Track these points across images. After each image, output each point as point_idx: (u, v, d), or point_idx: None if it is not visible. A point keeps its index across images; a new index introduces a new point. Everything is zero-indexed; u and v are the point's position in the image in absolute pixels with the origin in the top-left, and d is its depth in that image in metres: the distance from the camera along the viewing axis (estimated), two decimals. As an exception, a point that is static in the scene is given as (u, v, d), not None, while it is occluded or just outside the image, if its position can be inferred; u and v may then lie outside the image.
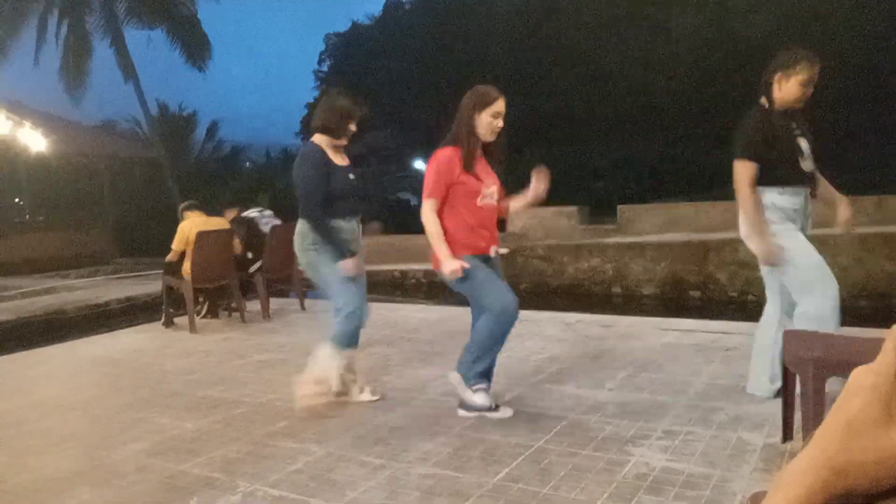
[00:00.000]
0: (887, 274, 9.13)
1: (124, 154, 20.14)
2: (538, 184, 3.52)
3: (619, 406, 3.55)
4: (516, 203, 3.64)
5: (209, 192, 15.43)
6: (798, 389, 2.81)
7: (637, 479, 2.66)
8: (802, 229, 3.44)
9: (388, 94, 26.88)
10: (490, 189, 3.42)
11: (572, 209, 13.44)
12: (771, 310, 3.59)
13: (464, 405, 3.48)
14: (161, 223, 9.27)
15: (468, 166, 3.33)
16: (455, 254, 3.31)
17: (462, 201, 3.35)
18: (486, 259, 3.44)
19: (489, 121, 3.34)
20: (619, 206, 13.18)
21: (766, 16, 18.46)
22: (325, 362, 3.70)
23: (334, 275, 3.67)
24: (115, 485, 2.91)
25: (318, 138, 3.73)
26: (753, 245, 3.39)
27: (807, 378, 2.62)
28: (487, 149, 3.46)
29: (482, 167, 3.42)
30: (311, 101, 37.09)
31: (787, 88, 3.32)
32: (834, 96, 17.80)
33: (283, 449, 3.21)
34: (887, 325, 0.56)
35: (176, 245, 6.38)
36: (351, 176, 3.78)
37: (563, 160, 20.78)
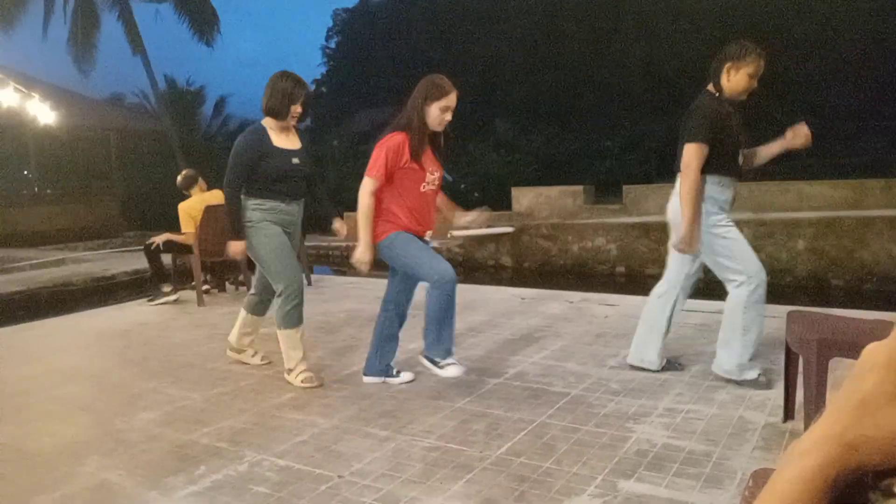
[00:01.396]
0: (893, 257, 9.11)
1: (132, 128, 20.13)
2: (477, 220, 3.90)
3: (621, 383, 3.59)
4: (462, 217, 3.88)
5: (216, 166, 15.41)
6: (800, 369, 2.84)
7: (638, 455, 2.69)
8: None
9: (396, 72, 26.71)
10: (433, 176, 3.53)
11: (578, 188, 13.40)
12: (669, 286, 3.69)
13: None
14: (168, 197, 9.29)
15: (416, 155, 3.41)
16: (394, 230, 3.44)
17: (406, 186, 3.45)
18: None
19: (437, 113, 3.40)
20: (624, 186, 13.14)
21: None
22: (287, 347, 3.85)
23: (270, 254, 3.77)
24: (126, 453, 2.97)
25: (266, 120, 3.81)
26: (681, 229, 3.38)
27: (810, 359, 2.64)
28: (434, 137, 3.53)
29: (428, 155, 3.50)
30: (318, 77, 36.92)
31: (736, 79, 3.37)
32: (844, 76, 17.63)
33: (289, 420, 3.26)
34: (892, 308, 0.57)
35: (187, 227, 6.41)
36: (294, 160, 3.82)
37: (569, 140, 20.68)
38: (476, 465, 2.66)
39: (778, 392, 3.14)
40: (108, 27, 19.87)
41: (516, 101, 22.94)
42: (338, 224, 4.12)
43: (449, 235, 12.51)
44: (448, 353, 3.50)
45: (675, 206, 3.48)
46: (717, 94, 3.43)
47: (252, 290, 4.20)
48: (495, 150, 20.07)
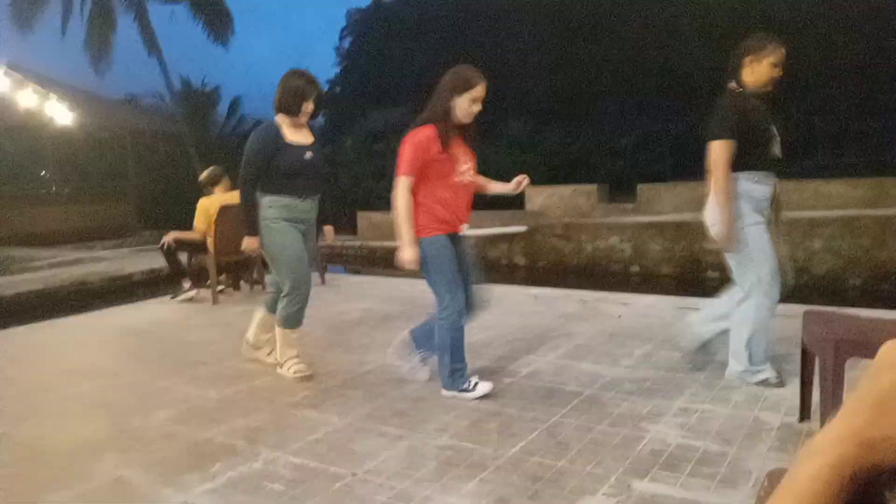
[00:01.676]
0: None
1: (148, 128, 20.28)
2: (515, 187, 3.61)
3: (635, 383, 3.57)
4: (498, 187, 3.73)
5: (231, 166, 15.51)
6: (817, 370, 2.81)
7: (652, 455, 2.68)
8: (769, 220, 3.45)
9: (409, 71, 26.74)
10: (464, 167, 3.46)
11: (591, 187, 13.36)
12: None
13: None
14: (184, 197, 9.36)
15: (445, 146, 3.35)
16: (428, 231, 3.39)
17: (437, 179, 3.39)
18: (454, 237, 3.49)
19: (466, 105, 3.35)
20: (638, 185, 13.07)
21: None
22: (282, 344, 3.97)
23: (282, 255, 3.81)
24: (142, 451, 2.99)
25: (279, 117, 3.83)
26: (719, 229, 3.36)
27: (827, 358, 2.62)
28: (462, 127, 3.47)
29: (457, 145, 3.44)
30: (332, 77, 37.04)
31: (759, 71, 3.35)
32: (861, 74, 17.43)
33: (304, 419, 3.28)
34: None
35: (200, 224, 6.46)
36: (307, 155, 3.83)
37: (584, 138, 20.62)
38: (489, 464, 2.66)
39: (794, 392, 3.12)
40: (124, 28, 20.07)
41: (530, 101, 22.90)
42: (326, 229, 4.25)
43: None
44: (465, 379, 3.49)
45: (710, 206, 3.45)
46: (741, 90, 3.40)
47: (270, 289, 4.23)
48: (509, 150, 20.06)
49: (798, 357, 3.08)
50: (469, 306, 3.56)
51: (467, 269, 3.57)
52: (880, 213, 9.65)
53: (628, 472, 2.55)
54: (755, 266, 3.38)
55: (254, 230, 3.80)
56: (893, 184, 10.79)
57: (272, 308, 4.14)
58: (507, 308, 5.65)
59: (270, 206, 3.78)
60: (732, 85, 3.44)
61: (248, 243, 3.84)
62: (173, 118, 21.15)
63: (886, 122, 17.23)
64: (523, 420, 3.11)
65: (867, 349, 2.54)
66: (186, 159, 19.61)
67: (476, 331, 4.85)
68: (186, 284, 6.81)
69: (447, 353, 3.46)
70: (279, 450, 2.91)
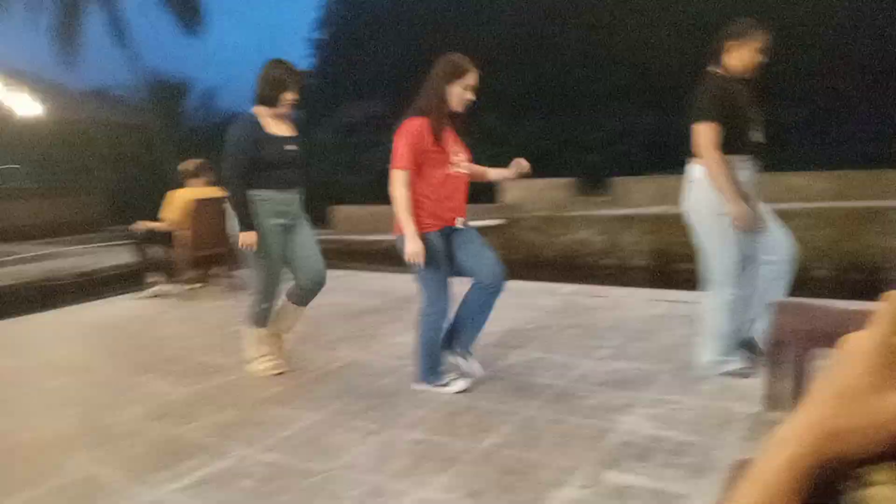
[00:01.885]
0: (878, 248, 9.19)
1: (117, 121, 19.96)
2: (516, 171, 3.59)
3: (607, 374, 3.60)
4: (496, 174, 3.71)
5: (202, 159, 15.34)
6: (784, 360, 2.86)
7: (624, 446, 2.71)
8: (756, 202, 3.45)
9: (385, 63, 26.60)
10: (458, 158, 3.41)
11: (565, 181, 13.42)
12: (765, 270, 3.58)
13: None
14: (154, 190, 9.22)
15: (438, 137, 3.29)
16: (422, 227, 3.30)
17: (431, 171, 3.32)
18: (451, 231, 3.43)
19: (460, 93, 3.31)
20: (612, 178, 13.16)
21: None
22: (249, 342, 3.95)
23: (259, 256, 3.73)
24: (112, 447, 2.95)
25: (257, 108, 3.73)
26: (729, 209, 3.31)
27: (794, 348, 2.66)
28: (455, 118, 3.41)
29: (450, 136, 3.39)
30: (307, 68, 36.66)
31: (742, 56, 3.35)
32: (829, 66, 17.70)
33: (276, 415, 3.25)
34: (875, 298, 0.58)
35: (169, 214, 6.36)
36: (288, 147, 3.75)
37: (558, 131, 20.70)
38: (462, 458, 2.67)
39: (762, 382, 3.17)
40: (92, 19, 19.68)
41: (504, 94, 22.92)
42: None
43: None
44: (440, 376, 3.48)
45: (696, 196, 3.44)
46: (722, 74, 3.40)
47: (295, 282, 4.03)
48: (483, 143, 20.05)
49: (766, 346, 3.13)
50: (488, 286, 3.42)
51: (476, 251, 3.45)
52: (847, 205, 9.84)
53: (600, 463, 2.57)
54: (722, 258, 3.42)
55: (250, 225, 3.66)
56: (859, 176, 11.00)
57: (293, 298, 3.99)
58: (482, 301, 5.66)
59: (251, 201, 3.69)
60: (713, 68, 3.43)
61: (245, 238, 3.68)
62: (143, 110, 20.82)
63: (851, 116, 17.55)
64: (496, 413, 3.12)
65: (833, 339, 2.57)
66: (157, 152, 19.33)
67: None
68: (154, 279, 6.73)
69: (425, 349, 3.45)
70: (251, 446, 2.89)
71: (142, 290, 6.77)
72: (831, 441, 0.49)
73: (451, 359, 3.55)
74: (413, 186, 3.31)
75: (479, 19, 25.11)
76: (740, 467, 1.52)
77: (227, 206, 6.42)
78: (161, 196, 6.56)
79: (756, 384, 3.30)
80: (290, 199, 3.81)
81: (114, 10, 19.35)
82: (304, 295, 3.95)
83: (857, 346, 0.51)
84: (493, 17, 24.91)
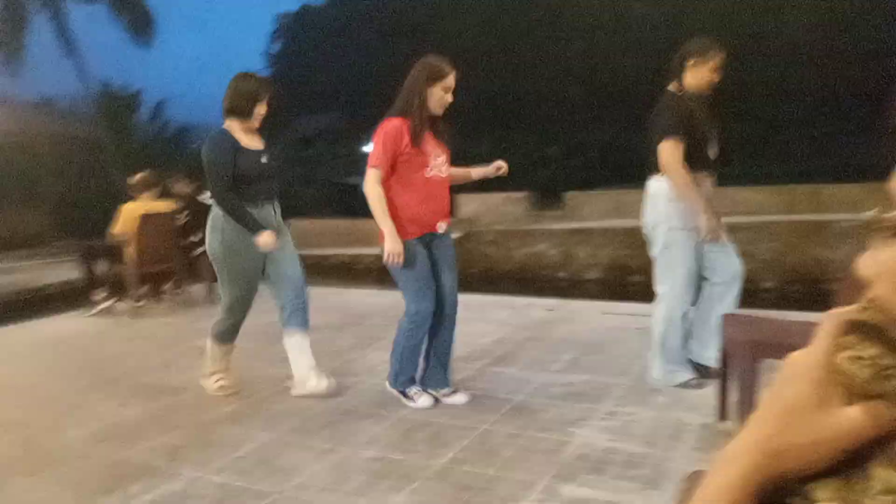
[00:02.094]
0: (821, 260, 9.50)
1: (64, 132, 19.37)
2: (495, 171, 3.61)
3: (563, 388, 3.63)
4: (478, 172, 3.69)
5: (149, 171, 15.03)
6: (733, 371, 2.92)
7: (580, 460, 2.73)
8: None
9: (338, 77, 26.56)
10: (438, 160, 3.36)
11: (521, 195, 13.55)
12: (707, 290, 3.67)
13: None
14: (103, 204, 8.97)
15: (417, 139, 3.24)
16: (403, 234, 3.24)
17: (410, 174, 3.26)
18: (432, 238, 3.38)
19: (440, 95, 3.27)
20: (566, 193, 13.35)
21: (715, 4, 18.86)
22: (212, 356, 3.84)
23: (232, 273, 3.65)
24: (54, 472, 2.84)
25: (228, 122, 3.65)
26: (701, 222, 3.40)
27: (742, 360, 2.72)
28: (434, 120, 3.37)
29: (429, 139, 3.34)
30: (261, 81, 36.35)
31: (700, 74, 3.44)
32: (775, 85, 18.35)
33: (227, 435, 3.18)
34: (820, 310, 0.59)
35: (118, 227, 6.20)
36: (263, 159, 3.68)
37: (513, 146, 20.90)
38: (420, 475, 2.64)
39: (713, 393, 3.23)
40: (38, 28, 19.12)
41: (460, 108, 23.07)
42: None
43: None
44: (411, 383, 3.47)
45: (657, 210, 3.50)
46: (682, 92, 3.47)
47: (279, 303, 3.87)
48: (439, 157, 20.15)
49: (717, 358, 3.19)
50: (440, 313, 3.42)
51: (445, 271, 3.43)
52: (792, 219, 10.17)
53: (557, 477, 2.58)
54: (672, 271, 3.48)
55: (259, 226, 3.54)
56: (804, 191, 11.38)
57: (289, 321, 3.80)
58: (438, 315, 5.65)
59: (227, 217, 3.56)
60: (674, 86, 3.50)
61: (265, 238, 3.53)
62: (92, 122, 20.29)
63: (796, 133, 18.20)
64: (454, 429, 3.11)
65: (781, 351, 2.64)
66: (106, 165, 18.85)
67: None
68: (96, 297, 6.55)
69: (398, 355, 3.43)
70: (201, 468, 2.81)
71: (88, 307, 6.57)
72: (777, 458, 0.50)
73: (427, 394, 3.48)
74: (394, 192, 3.26)
75: (432, 35, 25.25)
76: (692, 480, 1.54)
77: (179, 220, 6.29)
78: (110, 210, 6.40)
79: (707, 395, 3.36)
80: (267, 213, 3.70)
81: (61, 20, 18.86)
82: (291, 315, 3.78)
83: (800, 365, 0.51)
84: (446, 33, 25.08)
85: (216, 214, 3.61)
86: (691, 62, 3.43)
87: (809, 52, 17.86)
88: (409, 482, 2.59)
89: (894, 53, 14.34)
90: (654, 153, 3.45)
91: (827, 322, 0.52)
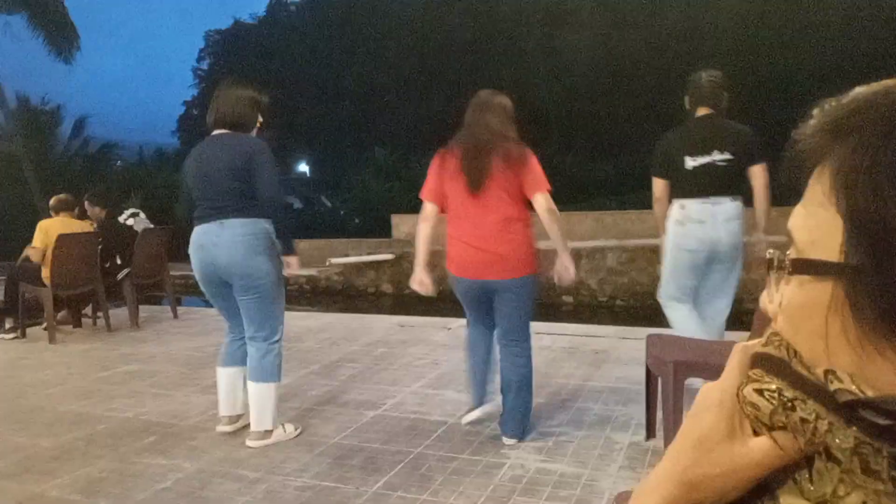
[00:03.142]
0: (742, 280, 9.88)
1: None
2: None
3: (497, 409, 3.63)
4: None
5: (73, 190, 14.46)
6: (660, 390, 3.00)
7: (512, 482, 2.74)
8: None
9: (272, 96, 26.20)
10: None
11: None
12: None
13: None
14: (19, 223, 8.51)
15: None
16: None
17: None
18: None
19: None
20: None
21: (646, 33, 19.58)
22: (273, 403, 3.30)
23: (281, 291, 3.35)
24: (-43, 512, 2.66)
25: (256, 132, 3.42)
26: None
27: (667, 379, 2.80)
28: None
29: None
30: (189, 98, 35.61)
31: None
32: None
33: (151, 466, 3.05)
34: (742, 329, 0.61)
35: (37, 242, 5.92)
36: None
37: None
38: (352, 502, 2.60)
39: (640, 412, 3.31)
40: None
41: (396, 130, 23.13)
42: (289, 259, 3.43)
43: (328, 263, 12.32)
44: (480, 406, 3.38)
45: (737, 232, 3.58)
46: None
47: (232, 335, 3.45)
48: (375, 178, 20.11)
49: (643, 378, 3.27)
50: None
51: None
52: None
53: (490, 499, 2.58)
54: (733, 289, 3.78)
55: (293, 249, 3.33)
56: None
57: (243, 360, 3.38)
58: (374, 337, 5.61)
59: (265, 226, 3.25)
60: (715, 110, 3.58)
61: (295, 263, 3.33)
62: (8, 137, 19.37)
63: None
64: (386, 454, 3.08)
65: (703, 370, 2.75)
66: (23, 182, 18.01)
67: (341, 363, 4.78)
68: (8, 324, 6.25)
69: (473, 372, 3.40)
70: (122, 502, 2.69)
71: (1, 331, 6.23)
72: (692, 490, 0.52)
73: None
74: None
75: (365, 54, 25.35)
76: (621, 500, 1.57)
77: (102, 243, 6.03)
78: (27, 228, 6.11)
79: (634, 413, 3.44)
80: None
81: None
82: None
83: (710, 397, 0.53)
84: (379, 51, 25.21)
85: (262, 232, 3.23)
86: (725, 92, 3.57)
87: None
88: (341, 510, 2.54)
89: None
90: (729, 175, 3.49)
91: (735, 354, 0.54)
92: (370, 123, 24.03)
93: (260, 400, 3.24)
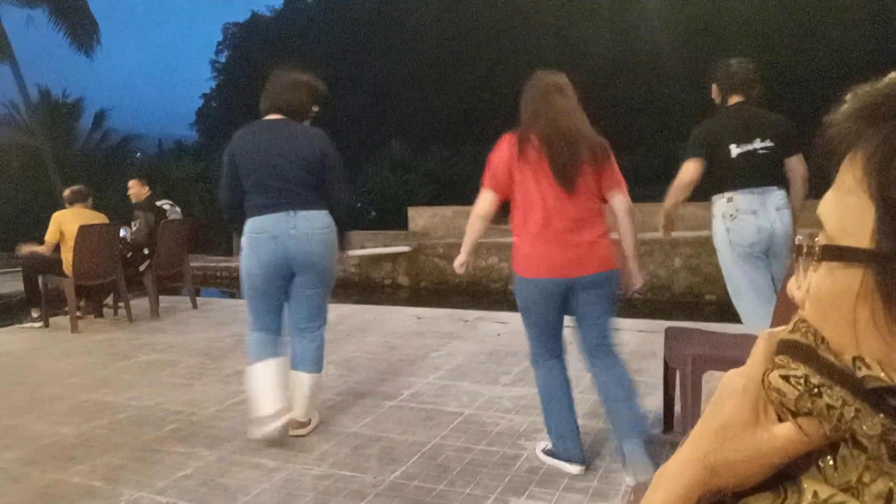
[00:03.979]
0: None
1: (0, 141, 18.70)
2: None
3: (513, 400, 3.65)
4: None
5: (95, 182, 14.63)
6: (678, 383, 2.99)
7: (529, 473, 2.74)
8: None
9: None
10: None
11: (472, 208, 13.64)
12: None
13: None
14: (41, 215, 8.65)
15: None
16: None
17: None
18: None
19: None
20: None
21: (665, 26, 19.44)
22: (315, 393, 3.31)
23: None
24: (-17, 497, 2.71)
25: (286, 120, 3.40)
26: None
27: (686, 372, 2.79)
28: None
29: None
30: (208, 91, 35.84)
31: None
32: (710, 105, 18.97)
33: (171, 454, 3.09)
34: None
35: (49, 236, 6.00)
36: None
37: (464, 161, 21.06)
38: (369, 492, 2.62)
39: (658, 404, 3.30)
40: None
41: (412, 122, 23.17)
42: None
43: (344, 255, 12.36)
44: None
45: (788, 222, 3.46)
46: None
47: (265, 330, 3.24)
48: (391, 170, 20.17)
49: (661, 371, 3.26)
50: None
51: None
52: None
53: (507, 490, 2.59)
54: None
55: (351, 245, 3.37)
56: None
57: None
58: (390, 329, 5.63)
59: (332, 220, 3.26)
60: (749, 99, 3.52)
61: (345, 258, 3.37)
62: (30, 130, 19.62)
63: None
64: (404, 444, 3.09)
65: (721, 363, 2.73)
66: (44, 175, 18.23)
67: (358, 353, 4.81)
68: (35, 314, 6.33)
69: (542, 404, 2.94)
70: (143, 489, 2.72)
71: (24, 321, 6.32)
72: (714, 475, 0.52)
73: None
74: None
75: (381, 47, 25.35)
76: (639, 491, 1.57)
77: (135, 232, 6.08)
78: (48, 220, 6.19)
79: (651, 406, 3.43)
80: None
81: (-4, 25, 18.23)
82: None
83: (735, 383, 0.53)
84: (395, 44, 25.21)
85: (333, 226, 3.24)
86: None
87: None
88: (359, 499, 2.56)
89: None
90: (772, 164, 3.40)
91: (761, 341, 0.54)
92: (387, 116, 24.08)
93: (311, 390, 3.23)
